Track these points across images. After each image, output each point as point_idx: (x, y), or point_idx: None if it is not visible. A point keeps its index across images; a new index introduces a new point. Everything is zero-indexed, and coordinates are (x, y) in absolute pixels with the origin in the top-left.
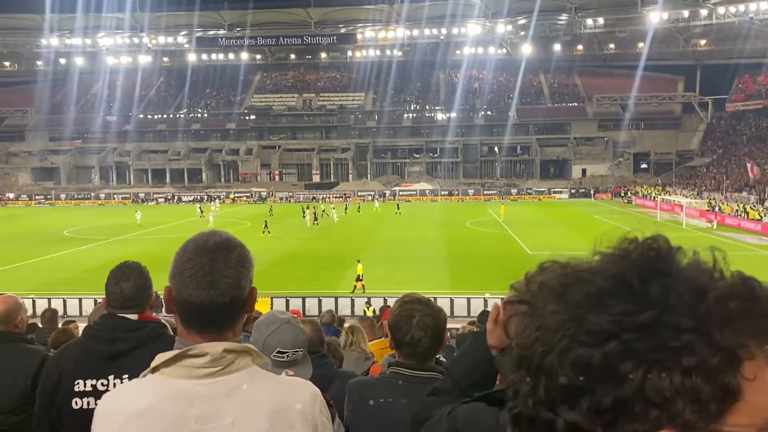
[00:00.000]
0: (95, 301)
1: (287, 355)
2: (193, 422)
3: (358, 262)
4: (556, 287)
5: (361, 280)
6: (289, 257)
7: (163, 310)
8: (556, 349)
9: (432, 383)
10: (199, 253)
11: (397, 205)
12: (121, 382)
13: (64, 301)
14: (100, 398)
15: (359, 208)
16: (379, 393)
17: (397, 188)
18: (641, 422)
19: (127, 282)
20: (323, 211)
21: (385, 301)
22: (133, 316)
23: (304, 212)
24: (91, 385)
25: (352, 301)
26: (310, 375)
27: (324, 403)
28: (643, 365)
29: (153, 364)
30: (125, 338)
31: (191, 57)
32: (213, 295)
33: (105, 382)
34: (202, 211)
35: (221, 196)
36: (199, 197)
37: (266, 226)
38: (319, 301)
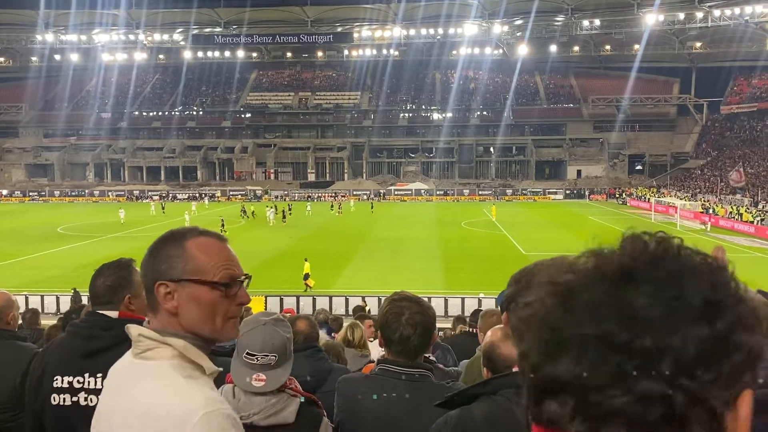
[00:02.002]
0: (87, 298)
1: (256, 359)
2: (112, 392)
3: (306, 260)
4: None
5: (308, 278)
6: (282, 256)
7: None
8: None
9: (421, 380)
10: None
11: (371, 204)
12: (95, 381)
13: (57, 298)
14: (75, 395)
15: (308, 209)
16: (368, 389)
17: (392, 188)
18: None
19: (99, 279)
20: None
21: (380, 300)
22: (113, 314)
23: (244, 211)
24: (68, 382)
25: (347, 300)
26: (280, 383)
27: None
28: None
29: None
30: (101, 336)
31: (187, 54)
32: None
33: (81, 379)
34: (164, 208)
35: (212, 195)
36: (159, 195)
37: (223, 225)
38: (314, 300)
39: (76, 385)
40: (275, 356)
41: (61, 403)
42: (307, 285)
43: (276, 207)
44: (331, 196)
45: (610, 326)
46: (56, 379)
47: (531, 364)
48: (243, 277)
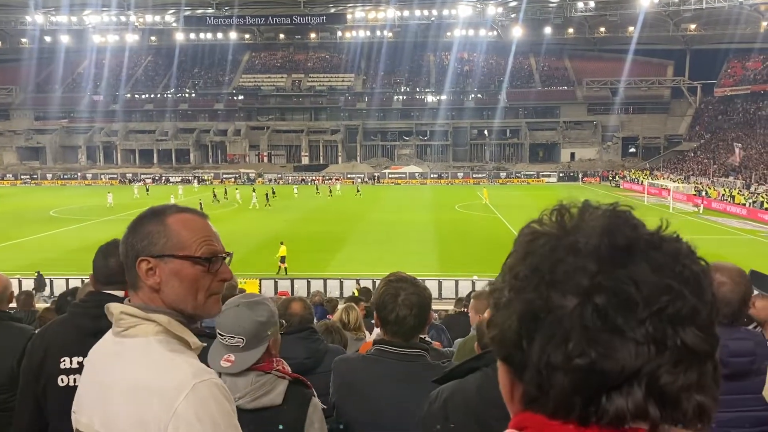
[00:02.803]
0: (82, 281)
1: (225, 339)
2: (95, 371)
3: (281, 243)
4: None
5: (284, 262)
6: (277, 239)
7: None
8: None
9: (417, 360)
10: None
11: (357, 188)
12: None
13: (51, 282)
14: None
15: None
16: (364, 370)
17: (386, 171)
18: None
19: (111, 258)
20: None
21: (374, 283)
22: (119, 293)
23: (214, 195)
24: (78, 363)
25: (341, 282)
26: (246, 366)
27: (196, 406)
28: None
29: None
30: None
31: (179, 36)
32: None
33: None
34: (148, 191)
35: (201, 178)
36: (152, 177)
37: (201, 208)
38: (308, 283)
39: None
40: (242, 339)
41: (70, 384)
42: (281, 267)
43: (255, 190)
44: (325, 179)
45: (663, 299)
46: (63, 361)
47: (584, 363)
48: (224, 253)
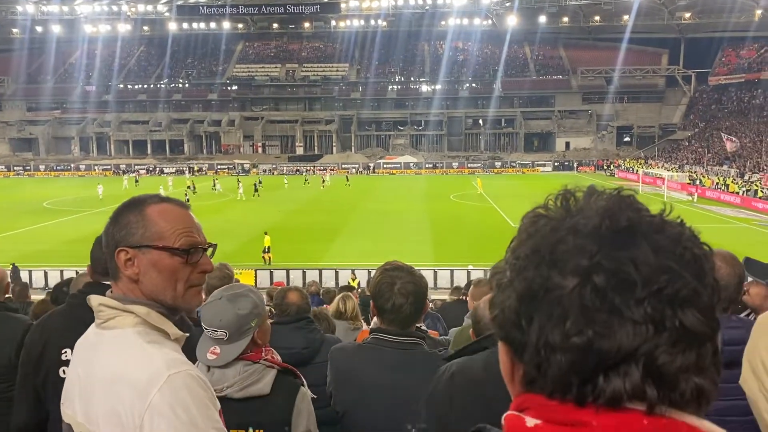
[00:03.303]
0: (77, 272)
1: (209, 332)
2: (78, 364)
3: (266, 234)
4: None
5: (268, 252)
6: (272, 230)
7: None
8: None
9: (414, 349)
10: None
11: (347, 177)
12: None
13: (45, 273)
14: None
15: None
16: (361, 358)
17: (381, 161)
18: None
19: None
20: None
21: (369, 273)
22: None
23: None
24: None
25: (336, 273)
26: (230, 359)
27: (171, 397)
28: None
29: None
30: None
31: (172, 26)
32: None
33: None
34: (137, 182)
35: (192, 169)
36: (146, 168)
37: (187, 200)
38: (303, 273)
39: None
40: (225, 333)
41: None
42: (264, 258)
43: (240, 181)
44: (319, 169)
45: (662, 280)
46: (65, 352)
47: (582, 342)
48: (206, 245)
